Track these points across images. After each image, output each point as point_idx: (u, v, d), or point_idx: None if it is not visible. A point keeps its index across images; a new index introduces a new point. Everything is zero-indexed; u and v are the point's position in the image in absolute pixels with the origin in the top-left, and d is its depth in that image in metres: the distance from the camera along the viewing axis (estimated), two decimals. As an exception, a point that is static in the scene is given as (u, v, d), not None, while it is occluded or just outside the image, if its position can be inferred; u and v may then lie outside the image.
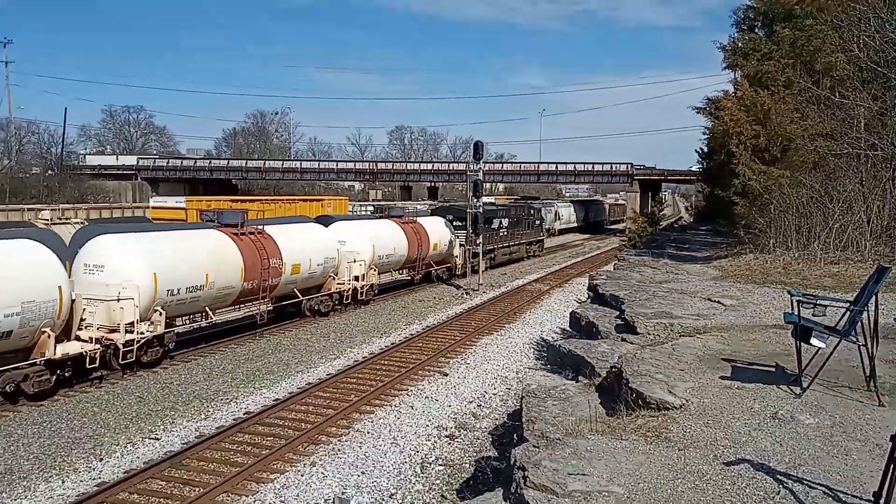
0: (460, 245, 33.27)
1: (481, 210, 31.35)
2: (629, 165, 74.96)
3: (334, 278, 23.66)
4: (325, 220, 26.01)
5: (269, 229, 21.20)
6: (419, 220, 31.13)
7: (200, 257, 17.94)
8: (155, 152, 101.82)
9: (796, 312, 6.79)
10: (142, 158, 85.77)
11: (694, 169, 58.94)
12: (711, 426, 5.81)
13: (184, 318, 18.89)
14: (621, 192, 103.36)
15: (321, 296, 23.20)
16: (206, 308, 18.49)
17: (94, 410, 13.55)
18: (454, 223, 34.18)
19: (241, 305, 21.13)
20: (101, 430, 12.54)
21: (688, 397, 6.35)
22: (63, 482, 10.48)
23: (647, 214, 56.45)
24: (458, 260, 33.29)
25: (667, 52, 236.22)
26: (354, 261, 24.36)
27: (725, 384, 6.95)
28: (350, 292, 24.41)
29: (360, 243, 24.98)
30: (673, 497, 4.57)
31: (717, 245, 25.54)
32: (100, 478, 10.60)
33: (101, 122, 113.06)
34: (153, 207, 43.66)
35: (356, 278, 24.68)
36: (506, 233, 39.66)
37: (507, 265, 39.68)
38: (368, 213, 46.40)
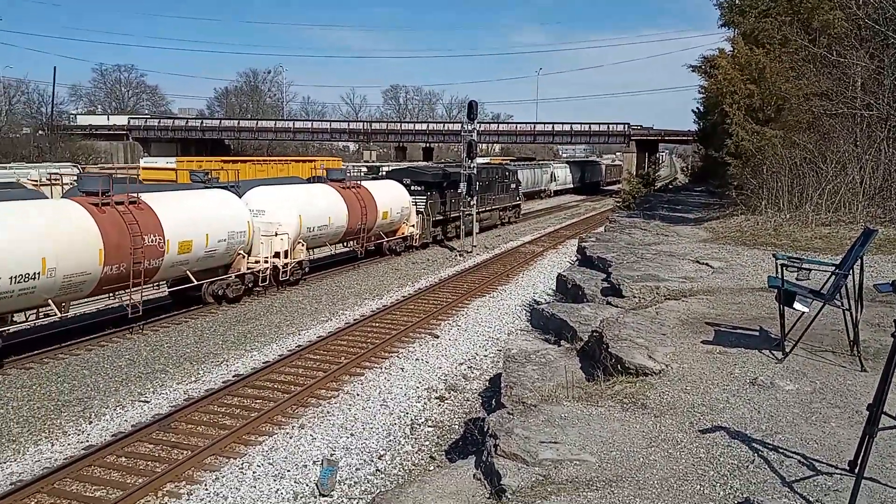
0: (417, 213, 29.97)
1: (475, 171, 31.04)
2: (626, 126, 74.36)
3: (245, 257, 19.91)
4: (239, 187, 22.50)
5: (148, 198, 17.38)
6: (366, 184, 27.28)
7: (28, 238, 13.85)
8: (146, 112, 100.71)
9: (780, 276, 6.73)
10: (133, 118, 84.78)
11: (690, 129, 58.51)
12: (689, 392, 5.79)
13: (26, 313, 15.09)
14: (618, 153, 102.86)
15: (226, 278, 19.46)
16: (50, 301, 14.54)
17: (84, 373, 13.56)
18: (412, 188, 30.69)
19: (113, 294, 17.25)
20: (90, 393, 12.56)
21: (668, 362, 6.32)
22: (52, 445, 10.51)
23: (642, 175, 56.28)
24: (415, 230, 29.75)
25: (668, 10, 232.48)
26: (276, 234, 20.71)
27: (707, 349, 6.93)
28: (268, 272, 20.66)
29: (282, 214, 21.29)
30: (645, 465, 4.55)
31: (709, 206, 25.49)
32: (88, 441, 10.63)
33: (91, 82, 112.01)
34: (143, 168, 43.21)
35: (277, 255, 20.97)
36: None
37: (480, 233, 34.90)
38: (361, 174, 45.61)
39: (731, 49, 22.06)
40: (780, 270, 6.75)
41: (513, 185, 42.35)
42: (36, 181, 31.86)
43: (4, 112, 75.98)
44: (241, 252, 19.85)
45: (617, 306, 9.05)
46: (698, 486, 4.32)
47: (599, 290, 10.60)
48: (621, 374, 6.00)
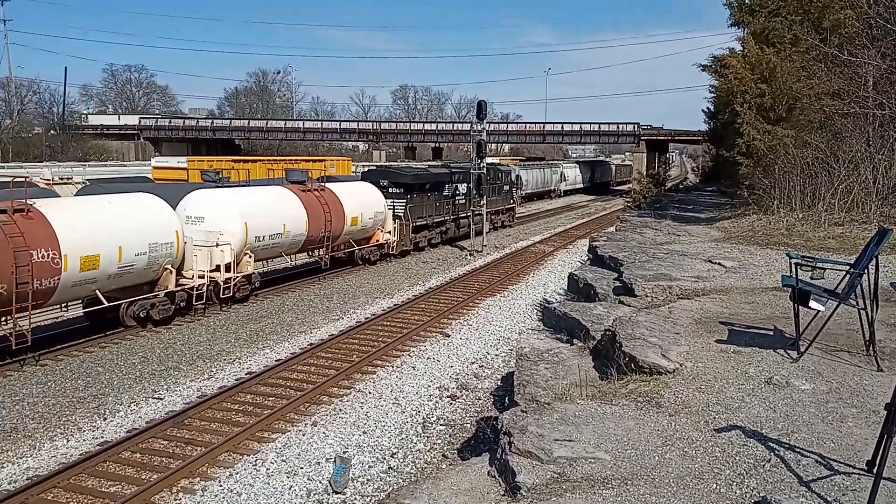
0: (395, 217, 27.23)
1: (484, 171, 31.01)
2: (636, 125, 74.18)
3: (173, 272, 17.18)
4: (173, 191, 20.24)
5: (42, 206, 14.78)
6: (333, 186, 24.17)
7: None
8: (157, 112, 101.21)
9: (794, 275, 6.72)
10: (144, 118, 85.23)
11: (701, 129, 58.28)
12: (704, 391, 5.79)
13: None
14: (627, 153, 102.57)
15: (152, 297, 16.75)
16: None
17: (99, 370, 13.67)
18: (390, 190, 28.01)
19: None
20: (105, 390, 12.67)
21: (682, 361, 6.32)
22: (67, 441, 10.61)
23: (652, 175, 56.14)
24: (391, 236, 26.85)
25: (677, 9, 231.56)
26: (217, 245, 18.27)
27: (721, 348, 6.92)
28: (205, 289, 18.02)
29: (225, 221, 18.66)
30: (660, 464, 4.56)
31: (720, 206, 25.41)
32: (103, 437, 10.73)
33: (102, 82, 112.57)
34: (155, 167, 43.40)
35: (218, 269, 18.39)
36: (463, 201, 32.73)
37: (464, 240, 32.36)
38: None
39: (742, 48, 21.97)
40: (794, 269, 6.73)
41: (506, 187, 39.05)
42: (48, 180, 31.99)
43: (17, 112, 76.49)
44: (169, 267, 17.00)
45: (629, 305, 9.05)
46: (714, 485, 4.32)
47: (611, 289, 10.59)
48: (635, 373, 6.01)
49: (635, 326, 7.01)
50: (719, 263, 11.86)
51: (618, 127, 75.19)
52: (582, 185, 73.97)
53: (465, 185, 32.30)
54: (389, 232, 26.76)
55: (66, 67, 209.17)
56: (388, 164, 38.84)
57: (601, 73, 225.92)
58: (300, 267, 24.73)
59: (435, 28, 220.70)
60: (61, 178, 32.11)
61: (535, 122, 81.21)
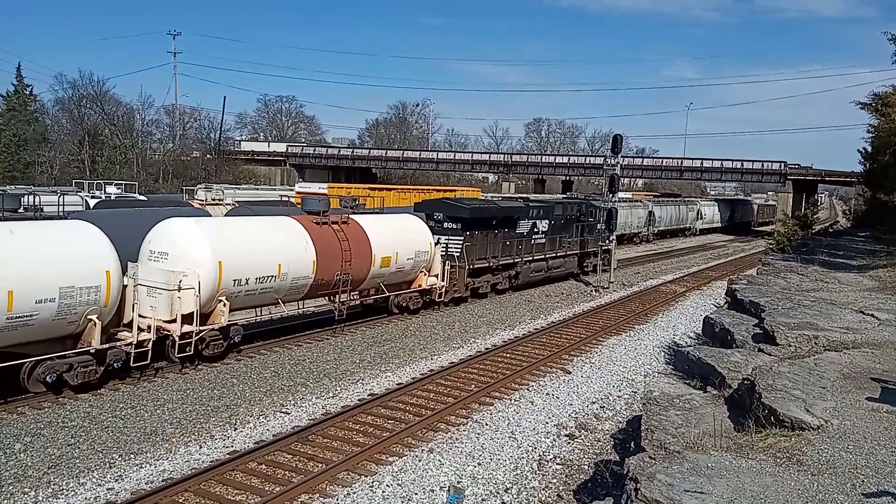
0: (448, 258, 22.82)
1: (617, 206, 30.29)
2: (783, 164, 70.36)
3: (97, 324, 13.23)
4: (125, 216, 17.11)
5: None
6: (360, 218, 19.96)
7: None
8: (303, 140, 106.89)
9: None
10: (291, 146, 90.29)
11: (854, 171, 54.44)
12: (852, 451, 5.28)
13: None
14: (771, 192, 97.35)
15: (64, 358, 12.92)
16: None
17: (233, 381, 14.39)
18: (445, 224, 23.83)
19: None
20: (237, 401, 13.30)
21: (827, 417, 5.81)
22: (200, 447, 11.20)
23: (799, 217, 52.90)
24: (437, 280, 22.14)
25: (831, 45, 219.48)
26: (179, 288, 14.28)
27: (872, 406, 6.32)
28: (150, 345, 13.99)
29: (189, 258, 14.71)
30: (801, 527, 4.18)
31: (875, 253, 23.46)
32: (232, 446, 11.24)
33: (255, 111, 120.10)
34: (298, 192, 45.79)
35: (170, 322, 14.40)
36: (543, 240, 28.20)
37: (543, 285, 28.68)
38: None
39: (908, 85, 20.36)
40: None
41: (599, 226, 32.64)
42: (202, 201, 34.40)
43: (178, 136, 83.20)
44: (94, 318, 13.21)
45: (770, 354, 8.47)
46: (863, 557, 3.90)
47: (751, 335, 9.98)
48: (775, 427, 5.58)
49: (777, 377, 6.53)
50: (872, 315, 10.92)
51: (762, 165, 71.59)
52: (720, 224, 70.95)
53: (547, 221, 28.35)
54: (437, 276, 22.21)
55: (224, 97, 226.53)
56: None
57: (745, 109, 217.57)
58: (320, 314, 20.33)
59: (571, 61, 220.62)
60: (213, 199, 34.43)
61: (673, 157, 78.74)
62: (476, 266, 24.09)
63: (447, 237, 23.34)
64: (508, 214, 26.15)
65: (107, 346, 13.51)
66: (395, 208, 29.57)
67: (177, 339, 14.40)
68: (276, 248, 16.65)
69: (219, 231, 15.86)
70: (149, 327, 14.10)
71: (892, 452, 5.31)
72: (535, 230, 27.67)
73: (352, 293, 19.56)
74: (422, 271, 21.72)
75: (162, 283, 14.37)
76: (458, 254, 23.18)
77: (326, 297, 19.09)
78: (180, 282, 14.36)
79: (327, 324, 19.16)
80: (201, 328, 14.89)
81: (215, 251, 15.12)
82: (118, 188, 38.69)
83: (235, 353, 16.19)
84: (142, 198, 34.37)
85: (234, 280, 15.48)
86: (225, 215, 22.86)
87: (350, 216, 19.62)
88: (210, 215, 21.50)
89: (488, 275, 25.11)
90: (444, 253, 22.67)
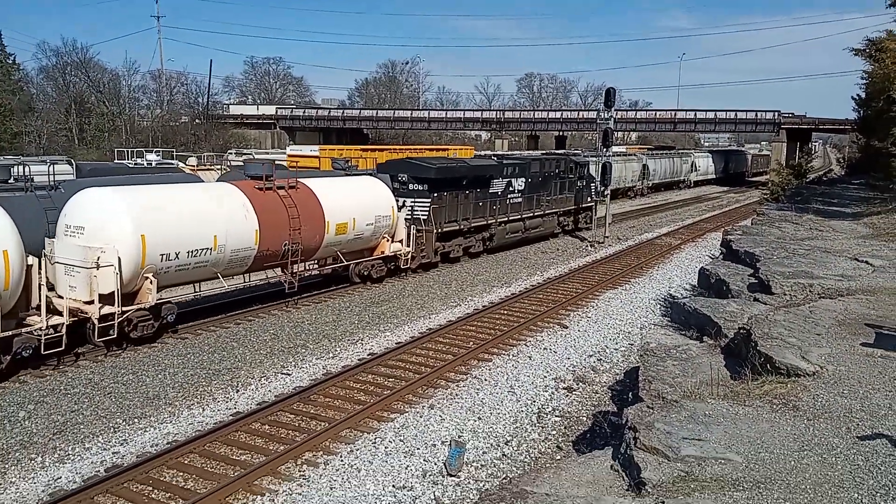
0: (413, 221, 21.33)
1: (611, 160, 30.18)
2: (776, 113, 69.96)
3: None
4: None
5: None
6: (311, 182, 18.34)
7: None
8: (292, 102, 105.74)
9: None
10: (280, 108, 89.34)
11: (848, 118, 54.22)
12: (847, 396, 5.38)
13: None
14: (765, 143, 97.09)
15: None
16: None
17: (233, 345, 14.48)
18: (410, 186, 22.28)
19: None
20: (238, 364, 13.41)
21: (822, 364, 5.90)
22: (203, 410, 11.33)
23: (793, 166, 52.88)
24: (402, 246, 20.67)
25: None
26: (97, 266, 12.96)
27: (867, 352, 6.41)
28: (64, 330, 12.75)
29: (108, 232, 13.38)
30: (796, 469, 4.27)
31: (869, 200, 23.55)
32: (235, 408, 11.38)
33: (243, 74, 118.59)
34: (289, 155, 45.46)
35: (88, 303, 13.15)
36: (519, 199, 26.68)
37: (520, 246, 27.24)
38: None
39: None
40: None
41: (581, 183, 31.41)
42: (193, 166, 34.22)
43: (166, 102, 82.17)
44: None
45: (766, 303, 8.56)
46: (856, 495, 4.00)
47: (746, 285, 10.06)
48: (771, 374, 5.67)
49: (772, 325, 6.61)
50: (866, 262, 11.01)
51: (756, 115, 71.18)
52: (714, 176, 70.84)
53: (524, 180, 26.93)
54: (401, 241, 20.77)
55: (210, 60, 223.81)
56: (410, 158, 26.95)
57: (739, 59, 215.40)
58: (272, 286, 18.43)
59: (562, 15, 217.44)
60: (205, 165, 34.26)
61: (666, 110, 78.21)
62: (445, 229, 22.74)
63: (413, 199, 21.91)
64: (480, 173, 24.65)
65: (10, 333, 12.21)
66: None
67: (96, 321, 13.02)
68: (211, 218, 15.15)
69: (142, 201, 14.22)
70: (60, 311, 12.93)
71: (886, 396, 5.40)
72: (511, 189, 26.30)
73: (307, 263, 18.45)
74: (384, 237, 20.30)
75: (78, 261, 13.13)
76: (424, 217, 21.81)
77: (280, 269, 17.59)
78: (98, 258, 13.01)
79: (279, 297, 17.75)
80: (125, 308, 13.56)
81: (137, 224, 13.70)
82: (157, 155, 39.55)
83: (222, 323, 15.76)
84: (177, 164, 35.56)
85: (162, 255, 14.10)
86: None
87: (300, 180, 17.99)
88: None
89: (460, 238, 23.77)
90: (409, 217, 21.30)
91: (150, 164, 34.30)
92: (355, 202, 19.09)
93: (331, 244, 18.47)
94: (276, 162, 28.83)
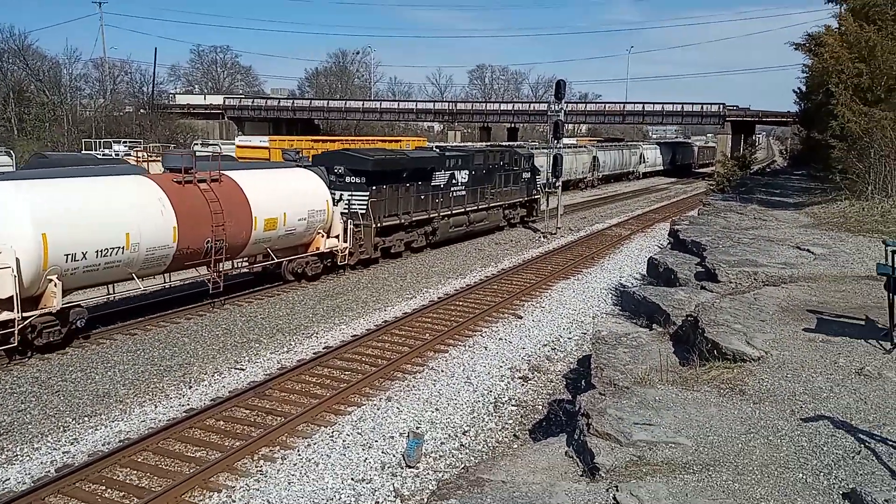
0: (351, 215, 20.56)
1: (562, 152, 30.53)
2: (721, 106, 71.62)
3: None
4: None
5: None
6: (236, 174, 17.18)
7: None
8: (241, 92, 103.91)
9: (890, 263, 6.40)
10: (228, 98, 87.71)
11: (791, 111, 55.88)
12: (791, 380, 5.61)
13: None
14: (711, 135, 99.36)
15: None
16: None
17: (185, 341, 14.25)
18: (347, 179, 21.48)
19: None
20: (190, 360, 13.21)
21: (767, 349, 6.13)
22: (155, 407, 11.14)
23: (737, 158, 54.26)
24: (339, 242, 19.89)
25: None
26: None
27: (809, 337, 6.68)
28: None
29: (7, 228, 12.30)
30: (744, 452, 4.45)
31: (810, 191, 24.38)
32: (189, 404, 11.22)
33: (189, 63, 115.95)
34: (238, 146, 44.68)
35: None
36: (462, 192, 26.26)
37: (465, 240, 26.94)
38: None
39: (839, 26, 20.88)
40: (890, 258, 6.41)
41: (525, 175, 31.29)
42: (137, 158, 33.44)
43: (109, 91, 79.84)
44: None
45: (712, 291, 8.82)
46: (801, 475, 4.19)
47: (693, 274, 10.35)
48: (718, 360, 5.87)
49: (718, 312, 6.83)
50: (808, 250, 11.41)
51: (702, 107, 72.69)
52: (662, 168, 72.25)
53: (467, 172, 26.41)
54: (338, 236, 19.90)
55: (155, 48, 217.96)
56: (347, 149, 26.92)
57: (686, 52, 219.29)
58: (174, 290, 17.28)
59: (513, 6, 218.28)
60: (150, 156, 33.45)
61: (615, 102, 79.39)
62: (385, 224, 22.04)
63: (350, 193, 21.12)
64: (421, 166, 23.90)
65: None
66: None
67: None
68: (123, 214, 13.99)
69: (44, 196, 13.01)
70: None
71: (828, 380, 5.65)
72: (454, 182, 25.75)
73: (235, 261, 17.64)
74: (319, 233, 19.35)
75: None
76: (363, 211, 21.02)
77: (206, 268, 16.46)
78: None
79: (199, 298, 16.86)
80: (26, 314, 12.50)
81: (37, 221, 12.53)
82: (124, 146, 39.06)
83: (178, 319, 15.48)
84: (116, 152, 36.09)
85: (67, 255, 12.95)
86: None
87: (224, 172, 16.82)
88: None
89: (401, 232, 23.11)
90: (346, 211, 20.51)
91: (118, 154, 34.00)
92: (286, 196, 18.11)
93: (260, 241, 17.49)
94: (224, 154, 28.42)
